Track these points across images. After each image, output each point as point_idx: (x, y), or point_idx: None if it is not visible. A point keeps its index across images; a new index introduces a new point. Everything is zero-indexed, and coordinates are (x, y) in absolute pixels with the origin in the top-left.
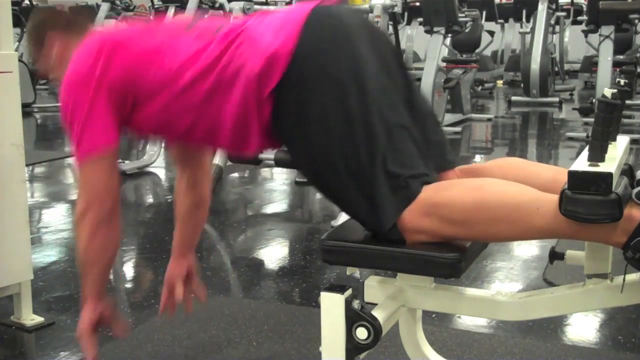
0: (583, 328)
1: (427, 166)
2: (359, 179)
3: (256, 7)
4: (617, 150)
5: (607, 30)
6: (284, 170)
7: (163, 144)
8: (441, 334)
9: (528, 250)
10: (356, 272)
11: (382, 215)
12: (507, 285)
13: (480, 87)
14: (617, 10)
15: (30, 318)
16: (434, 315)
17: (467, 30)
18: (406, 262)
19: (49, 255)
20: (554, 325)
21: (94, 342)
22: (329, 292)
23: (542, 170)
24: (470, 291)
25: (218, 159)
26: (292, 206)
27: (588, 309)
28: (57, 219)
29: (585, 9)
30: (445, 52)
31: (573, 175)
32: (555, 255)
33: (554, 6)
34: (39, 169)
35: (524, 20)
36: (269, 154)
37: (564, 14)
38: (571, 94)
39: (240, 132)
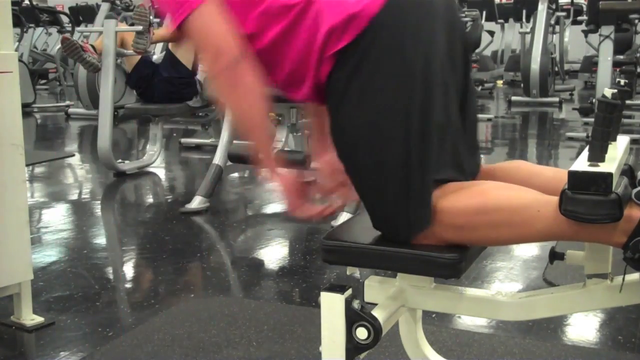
0: (583, 328)
1: (459, 171)
2: (397, 181)
3: None
4: (617, 150)
5: (607, 30)
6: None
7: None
8: (441, 334)
9: (528, 250)
10: (356, 272)
11: (402, 227)
12: (507, 285)
13: (480, 87)
14: (617, 10)
15: (30, 318)
16: (434, 315)
17: (467, 30)
18: (406, 262)
19: (49, 255)
20: (554, 325)
21: (308, 205)
22: (329, 292)
23: (544, 171)
24: (470, 291)
25: (218, 159)
26: None
27: (588, 309)
28: (57, 219)
29: (585, 9)
30: None
31: (573, 175)
32: (555, 256)
33: (554, 6)
34: (39, 169)
35: (524, 20)
36: None
37: (564, 14)
38: (571, 94)
39: (295, 78)
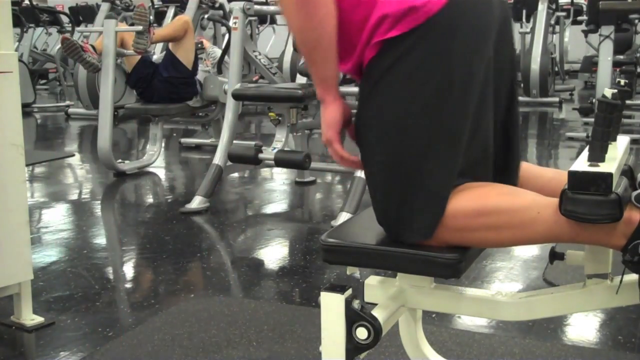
0: (583, 328)
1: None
2: (409, 184)
3: (256, 7)
4: (617, 150)
5: (607, 30)
6: (284, 170)
7: None
8: (441, 334)
9: (528, 250)
10: (356, 272)
11: (403, 230)
12: (507, 285)
13: None
14: (617, 10)
15: (30, 318)
16: (434, 315)
17: None
18: (406, 262)
19: (49, 255)
20: (554, 325)
21: (342, 146)
22: (329, 292)
23: (543, 172)
24: (470, 291)
25: (218, 159)
26: (292, 206)
27: (588, 309)
28: (57, 219)
29: (585, 9)
30: None
31: (573, 176)
32: (555, 256)
33: (554, 6)
34: (39, 169)
35: (524, 20)
36: (269, 154)
37: (564, 14)
38: (571, 94)
39: (343, 48)
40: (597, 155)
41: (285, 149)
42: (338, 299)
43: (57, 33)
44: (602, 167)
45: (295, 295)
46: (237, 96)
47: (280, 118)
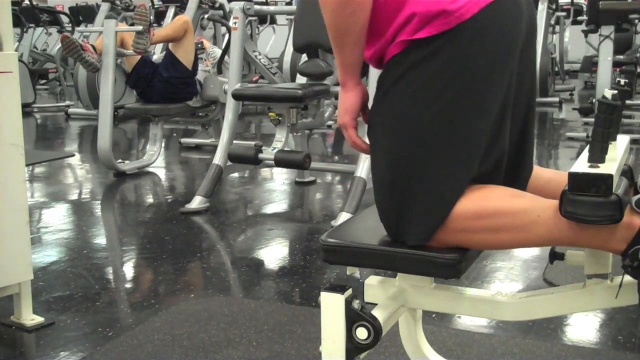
0: (583, 328)
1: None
2: (412, 187)
3: (256, 7)
4: (617, 150)
5: (607, 30)
6: (284, 170)
7: None
8: (441, 334)
9: (528, 250)
10: (356, 272)
11: (402, 231)
12: (507, 285)
13: None
14: (617, 10)
15: (30, 318)
16: (434, 315)
17: None
18: (406, 262)
19: (49, 255)
20: (554, 325)
21: (356, 131)
22: (329, 292)
23: (542, 173)
24: (470, 291)
25: (218, 159)
26: (292, 206)
27: (588, 309)
28: (57, 219)
29: (585, 9)
30: None
31: (573, 177)
32: (555, 256)
33: (554, 6)
34: (39, 169)
35: None
36: (269, 154)
37: (564, 14)
38: (571, 94)
39: (369, 32)
40: (597, 157)
41: (285, 149)
42: (338, 299)
43: (57, 33)
44: (602, 169)
45: (295, 295)
46: (237, 96)
47: (280, 118)
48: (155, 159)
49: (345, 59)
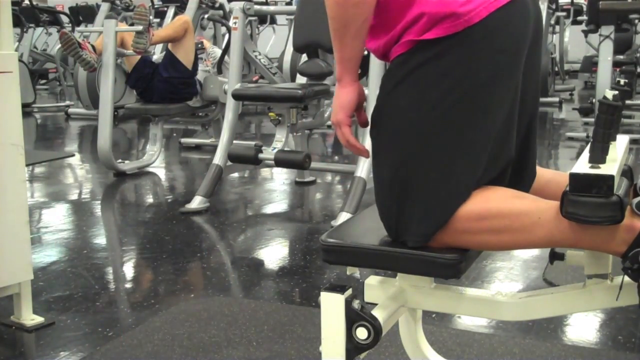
0: (583, 328)
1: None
2: (410, 189)
3: (256, 7)
4: (618, 150)
5: (607, 30)
6: (284, 170)
7: None
8: (441, 334)
9: (528, 250)
10: (356, 272)
11: (409, 234)
12: (507, 285)
13: None
14: (617, 10)
15: (30, 318)
16: (434, 315)
17: None
18: (406, 262)
19: (49, 255)
20: (554, 325)
21: (351, 131)
22: (329, 292)
23: (542, 173)
24: (470, 291)
25: (218, 159)
26: (292, 206)
27: (588, 309)
28: (57, 219)
29: (585, 9)
30: None
31: (574, 178)
32: (555, 256)
33: (554, 6)
34: (39, 169)
35: None
36: (269, 154)
37: (564, 14)
38: (571, 94)
39: (374, 27)
40: (598, 157)
41: (285, 149)
42: (338, 299)
43: (57, 33)
44: (603, 169)
45: (295, 295)
46: (237, 96)
47: (280, 118)
48: (155, 159)
49: (345, 53)
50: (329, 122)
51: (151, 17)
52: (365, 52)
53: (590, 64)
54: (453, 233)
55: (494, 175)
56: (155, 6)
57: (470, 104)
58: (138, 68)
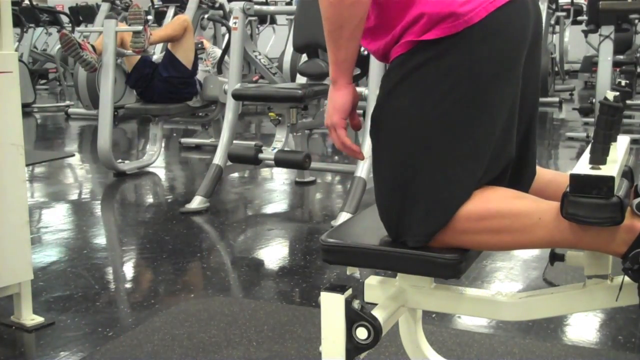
0: (583, 328)
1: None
2: (410, 190)
3: (256, 7)
4: (618, 151)
5: (607, 30)
6: (284, 170)
7: None
8: (441, 334)
9: (528, 250)
10: (356, 272)
11: (409, 234)
12: (507, 285)
13: None
14: (617, 10)
15: (30, 318)
16: (434, 315)
17: None
18: (406, 262)
19: (49, 255)
20: (554, 325)
21: (345, 132)
22: (329, 292)
23: (542, 173)
24: (470, 291)
25: (218, 159)
26: (292, 206)
27: (588, 309)
28: (57, 219)
29: (585, 9)
30: None
31: (575, 179)
32: (555, 257)
33: (554, 6)
34: (39, 169)
35: None
36: (269, 154)
37: (564, 14)
38: (571, 94)
39: (374, 27)
40: (599, 158)
41: (285, 149)
42: (338, 299)
43: (57, 33)
44: (604, 170)
45: (295, 295)
46: (237, 96)
47: (280, 118)
48: (155, 159)
49: (339, 55)
50: None
51: (149, 17)
52: (365, 52)
53: (590, 64)
54: (453, 233)
55: (494, 176)
56: (155, 6)
57: (471, 104)
58: (138, 68)
